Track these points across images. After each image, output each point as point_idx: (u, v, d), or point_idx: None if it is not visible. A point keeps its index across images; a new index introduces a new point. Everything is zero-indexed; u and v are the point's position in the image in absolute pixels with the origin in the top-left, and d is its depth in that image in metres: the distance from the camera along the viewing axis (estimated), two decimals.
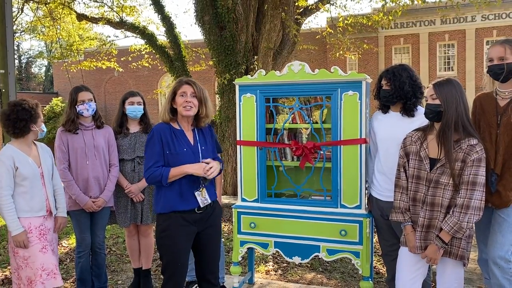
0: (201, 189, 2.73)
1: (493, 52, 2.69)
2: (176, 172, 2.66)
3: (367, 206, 3.31)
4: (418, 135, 2.66)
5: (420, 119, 2.85)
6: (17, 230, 2.88)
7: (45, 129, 3.09)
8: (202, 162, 2.70)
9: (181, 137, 2.76)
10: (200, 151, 2.77)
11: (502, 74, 2.64)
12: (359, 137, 3.20)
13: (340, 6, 9.87)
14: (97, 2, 11.67)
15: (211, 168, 2.66)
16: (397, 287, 2.72)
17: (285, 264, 4.59)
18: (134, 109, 3.65)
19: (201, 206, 2.73)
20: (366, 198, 3.32)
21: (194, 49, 11.89)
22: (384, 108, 3.16)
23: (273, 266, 4.57)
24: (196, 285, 3.76)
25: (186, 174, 2.67)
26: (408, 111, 3.01)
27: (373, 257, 3.78)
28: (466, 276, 3.83)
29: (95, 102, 3.54)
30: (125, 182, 3.62)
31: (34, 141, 3.14)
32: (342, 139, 3.24)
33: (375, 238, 4.65)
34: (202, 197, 2.73)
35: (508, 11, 22.83)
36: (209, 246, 2.86)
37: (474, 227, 2.68)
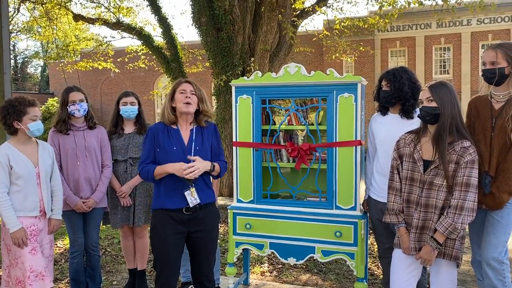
0: (190, 189, 2.71)
1: (485, 57, 2.74)
2: (159, 170, 2.69)
3: (362, 208, 3.32)
4: (412, 137, 2.68)
5: (419, 120, 2.87)
6: (15, 227, 2.87)
7: (32, 128, 2.94)
8: (189, 157, 2.65)
9: (175, 136, 2.77)
10: (192, 151, 2.76)
11: (494, 78, 2.69)
12: (354, 139, 3.22)
13: (336, 8, 9.92)
14: (94, 2, 11.66)
15: (191, 168, 2.59)
16: None
17: (280, 265, 4.60)
18: (127, 109, 3.65)
19: (191, 206, 2.72)
20: (364, 200, 3.33)
21: (190, 50, 11.90)
22: (383, 110, 3.18)
23: (268, 267, 4.57)
24: (191, 286, 3.77)
25: (168, 173, 2.66)
26: (407, 113, 3.03)
27: (368, 258, 3.80)
28: (460, 277, 3.85)
29: (87, 102, 3.52)
30: (117, 186, 3.61)
31: (38, 140, 3.11)
32: (337, 141, 3.25)
33: (370, 240, 4.66)
34: (192, 197, 2.71)
35: (503, 15, 22.99)
36: (202, 249, 2.83)
37: (467, 229, 2.70)
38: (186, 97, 2.73)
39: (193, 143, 2.79)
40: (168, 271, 2.76)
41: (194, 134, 2.81)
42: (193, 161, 2.67)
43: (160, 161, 2.74)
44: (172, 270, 2.78)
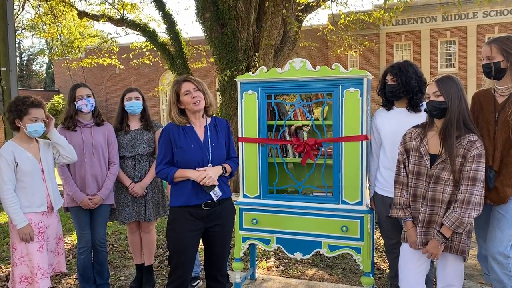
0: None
1: (482, 52, 2.77)
2: (179, 174, 2.75)
3: (368, 204, 3.32)
4: (418, 131, 2.68)
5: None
6: (22, 223, 2.91)
7: (29, 129, 2.95)
8: (197, 170, 2.73)
9: (190, 133, 2.80)
10: (210, 147, 2.79)
11: (491, 73, 2.71)
12: (360, 134, 3.21)
13: (341, 3, 9.89)
14: None
15: (205, 177, 2.69)
16: (401, 285, 2.73)
17: (286, 260, 4.62)
18: (131, 105, 3.66)
19: (215, 200, 2.77)
20: (371, 198, 3.33)
21: (195, 46, 11.91)
22: (388, 105, 3.17)
23: (274, 262, 4.59)
24: (198, 281, 3.81)
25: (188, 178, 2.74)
26: (415, 106, 3.03)
27: (374, 253, 3.80)
28: (466, 272, 3.85)
29: (94, 98, 3.54)
30: (128, 181, 3.63)
31: (38, 139, 3.14)
32: (343, 136, 3.25)
33: (376, 235, 4.66)
34: (214, 192, 2.77)
35: (510, 8, 22.78)
36: (218, 243, 2.87)
37: (473, 223, 2.69)
38: (193, 97, 2.75)
39: (209, 139, 2.82)
40: (183, 266, 2.79)
41: (208, 130, 2.84)
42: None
43: (178, 160, 2.77)
44: (187, 266, 2.81)
